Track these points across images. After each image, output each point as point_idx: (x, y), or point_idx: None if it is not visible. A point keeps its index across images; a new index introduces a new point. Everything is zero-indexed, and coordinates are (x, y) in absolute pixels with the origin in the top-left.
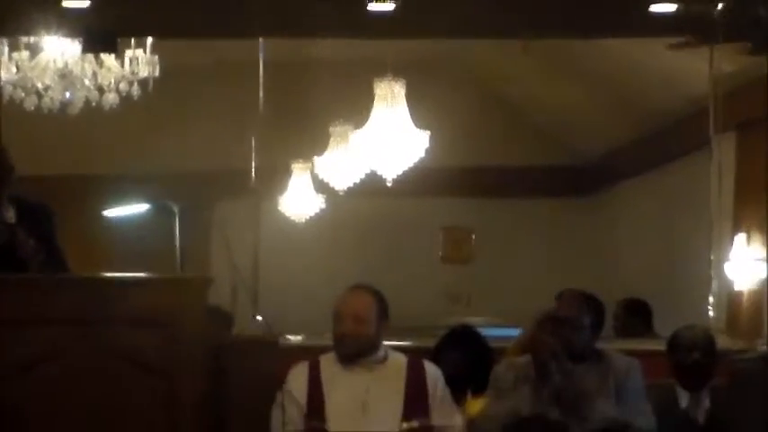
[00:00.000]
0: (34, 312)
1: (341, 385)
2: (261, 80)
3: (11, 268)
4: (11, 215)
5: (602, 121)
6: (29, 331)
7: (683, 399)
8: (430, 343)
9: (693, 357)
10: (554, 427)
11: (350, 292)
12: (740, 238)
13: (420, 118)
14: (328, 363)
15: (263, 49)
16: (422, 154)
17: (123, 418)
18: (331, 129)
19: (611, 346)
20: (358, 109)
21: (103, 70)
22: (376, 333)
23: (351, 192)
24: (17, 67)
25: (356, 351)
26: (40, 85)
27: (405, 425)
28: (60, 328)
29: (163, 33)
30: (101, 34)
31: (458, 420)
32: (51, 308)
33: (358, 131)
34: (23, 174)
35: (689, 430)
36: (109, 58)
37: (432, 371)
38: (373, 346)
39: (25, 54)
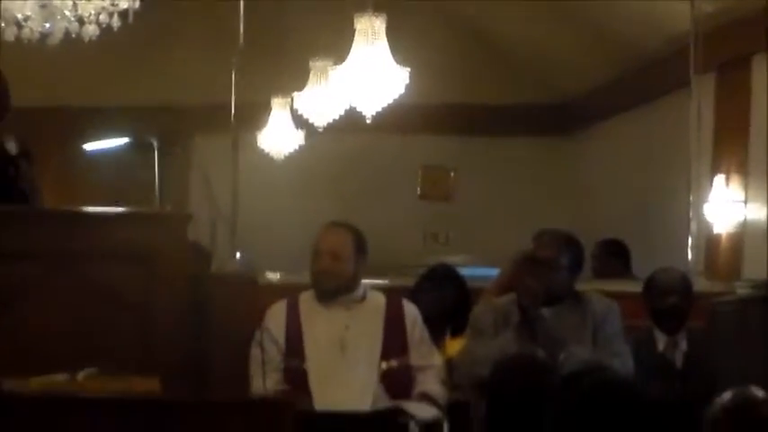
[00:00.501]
0: (11, 246)
1: (319, 323)
2: (241, 13)
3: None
4: (11, 147)
5: (582, 60)
6: (5, 265)
7: (661, 341)
8: (409, 282)
9: (669, 301)
10: (542, 367)
11: (328, 229)
12: (719, 179)
13: (401, 54)
14: (307, 301)
15: None
16: (402, 91)
17: (100, 352)
18: (311, 64)
19: (589, 287)
20: (338, 44)
21: (83, 1)
22: (354, 270)
23: (330, 128)
24: None
25: (334, 288)
26: (19, 16)
27: (383, 364)
28: (38, 261)
29: None
30: None
31: (436, 360)
32: (29, 241)
33: (338, 67)
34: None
35: (666, 373)
36: None
37: (410, 310)
38: (351, 283)
39: None
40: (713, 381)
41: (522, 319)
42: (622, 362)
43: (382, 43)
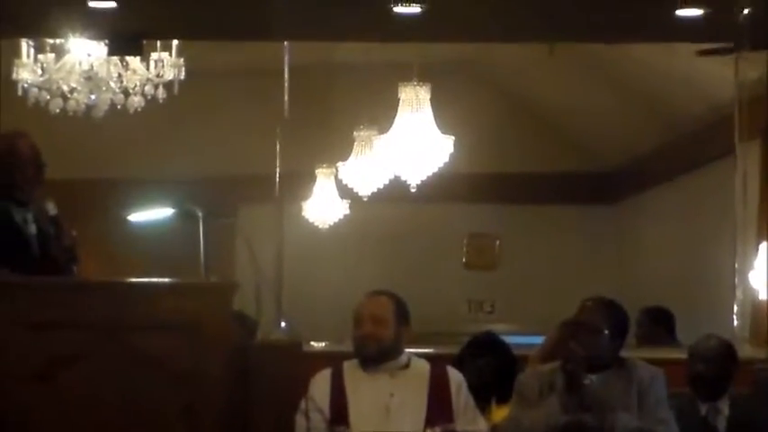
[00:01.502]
0: (58, 316)
1: (364, 391)
2: (286, 84)
3: (43, 264)
4: (52, 206)
5: (626, 128)
6: (54, 334)
7: (703, 407)
8: (453, 350)
9: (698, 369)
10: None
11: (369, 297)
12: (765, 247)
13: (445, 123)
14: (351, 369)
15: (288, 53)
16: (446, 159)
17: (146, 422)
18: (355, 133)
19: (634, 353)
20: (382, 114)
21: (129, 73)
22: (395, 335)
23: (375, 197)
24: (42, 69)
25: (376, 352)
26: (65, 88)
27: (428, 430)
28: (85, 332)
29: (188, 35)
30: (126, 36)
31: (482, 427)
32: (76, 312)
33: (382, 136)
34: (48, 177)
35: None
36: (134, 61)
37: (455, 376)
38: (393, 348)
39: (51, 56)
40: None
41: (567, 385)
42: (667, 428)
43: (426, 112)
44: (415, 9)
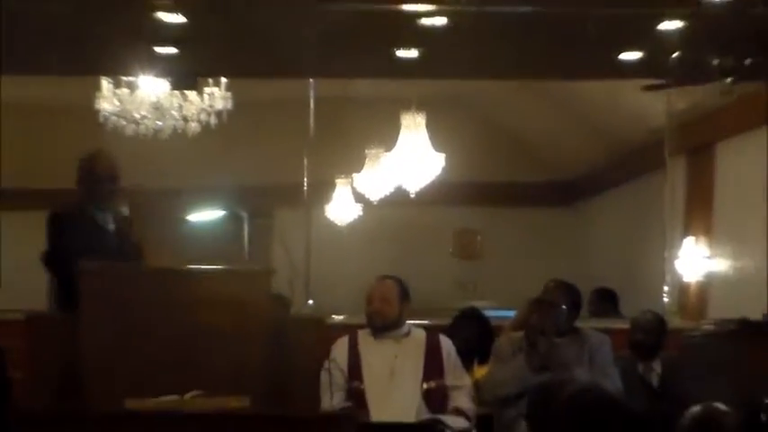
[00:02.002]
0: (135, 294)
1: (374, 354)
2: (311, 111)
3: (119, 254)
4: (125, 210)
5: (581, 146)
6: (129, 309)
7: (640, 366)
8: (444, 321)
9: (637, 337)
10: (552, 390)
11: (378, 281)
12: (689, 240)
13: (437, 143)
14: (364, 336)
15: (312, 87)
16: (438, 172)
17: (202, 378)
18: (367, 151)
19: (586, 324)
20: (388, 136)
21: (187, 104)
22: (399, 311)
23: (382, 202)
24: (119, 101)
25: (383, 325)
26: (137, 116)
27: (424, 384)
28: (153, 308)
29: (234, 74)
30: (185, 75)
31: (467, 381)
32: (148, 292)
33: (388, 154)
34: (123, 186)
35: (644, 390)
36: (192, 94)
37: (445, 342)
38: (397, 322)
39: (125, 90)
40: (683, 398)
41: (530, 348)
42: (612, 382)
43: (422, 134)
44: (413, 53)
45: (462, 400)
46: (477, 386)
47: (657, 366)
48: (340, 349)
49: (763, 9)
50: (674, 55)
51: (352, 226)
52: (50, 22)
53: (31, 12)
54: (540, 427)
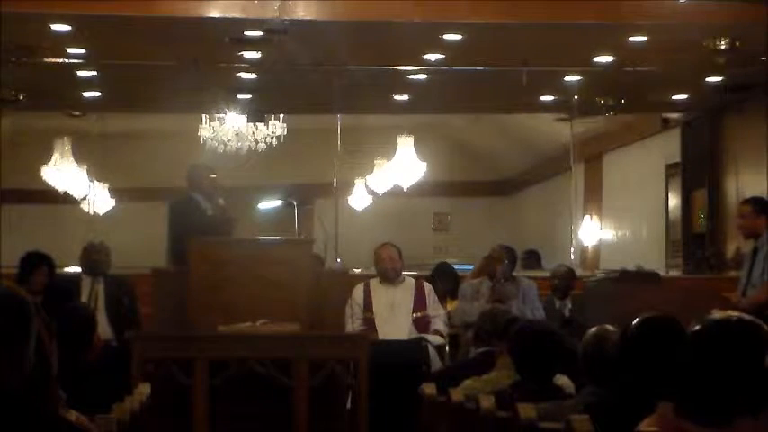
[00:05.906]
0: (224, 255)
1: (381, 294)
2: (338, 135)
3: (216, 231)
4: (221, 200)
5: (516, 156)
6: (220, 266)
7: (558, 302)
8: (426, 272)
9: (555, 282)
10: (503, 313)
11: (384, 246)
12: (587, 218)
13: (421, 155)
14: (374, 283)
15: (339, 120)
16: (422, 175)
17: (269, 310)
18: (375, 161)
19: (520, 274)
20: (389, 150)
21: (257, 131)
22: (399, 267)
23: (385, 194)
24: (213, 130)
25: (389, 277)
26: (225, 139)
27: (413, 314)
28: (239, 263)
29: (288, 111)
30: (256, 112)
31: (442, 311)
32: (233, 253)
33: (389, 162)
34: (219, 184)
35: (559, 320)
36: (260, 125)
37: (427, 286)
38: (396, 273)
39: (217, 123)
40: (585, 324)
41: (493, 286)
42: (539, 314)
43: (411, 149)
44: (405, 97)
45: (439, 324)
46: (449, 315)
47: (569, 302)
48: (358, 291)
49: (633, 68)
50: (575, 97)
51: (366, 210)
52: (175, 79)
53: (162, 71)
54: (487, 339)
